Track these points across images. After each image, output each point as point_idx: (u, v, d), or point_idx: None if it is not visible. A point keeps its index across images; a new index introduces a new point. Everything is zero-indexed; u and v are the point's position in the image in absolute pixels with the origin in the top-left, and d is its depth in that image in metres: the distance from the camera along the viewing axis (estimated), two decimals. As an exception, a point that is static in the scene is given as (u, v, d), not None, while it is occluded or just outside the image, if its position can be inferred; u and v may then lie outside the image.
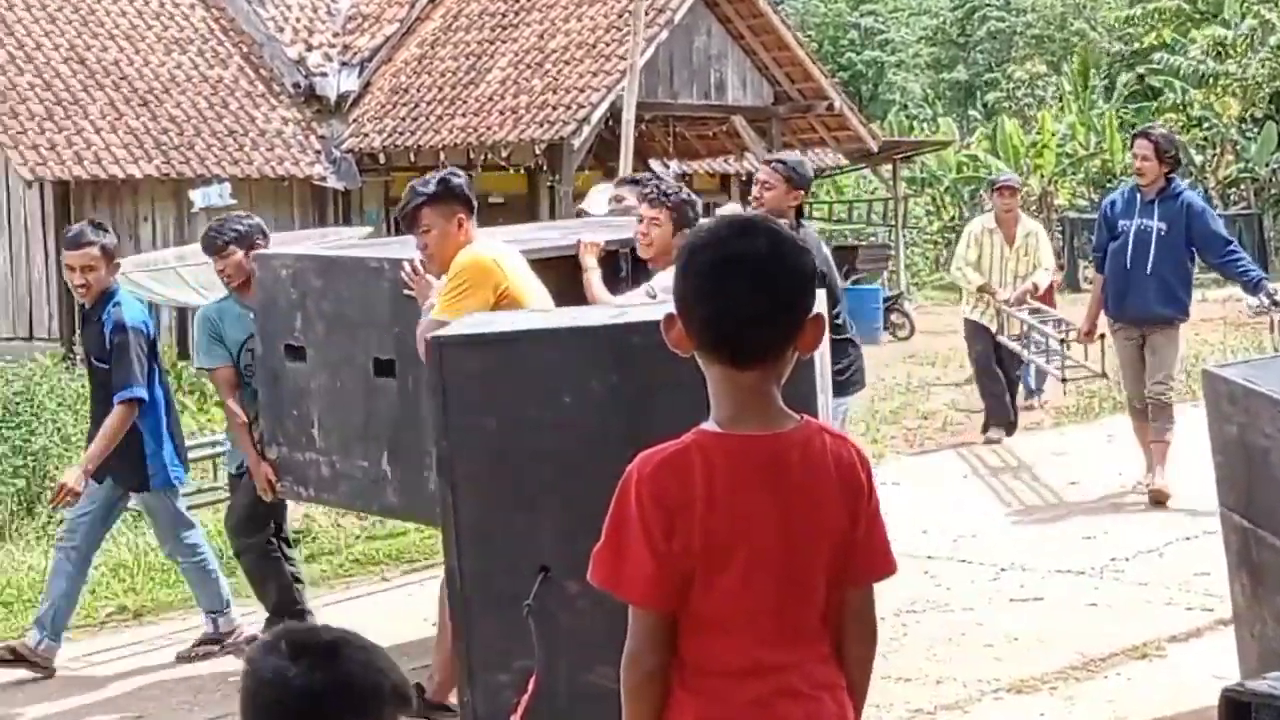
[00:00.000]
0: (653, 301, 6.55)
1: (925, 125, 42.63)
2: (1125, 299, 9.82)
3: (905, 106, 49.01)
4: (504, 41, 23.44)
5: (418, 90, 23.47)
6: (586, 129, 21.20)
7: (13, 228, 21.25)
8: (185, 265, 17.51)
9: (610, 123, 21.32)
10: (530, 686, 4.54)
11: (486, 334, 5.02)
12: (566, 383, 4.72)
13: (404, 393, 6.50)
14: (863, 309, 23.45)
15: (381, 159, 23.17)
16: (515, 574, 4.73)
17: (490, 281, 5.97)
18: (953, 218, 34.51)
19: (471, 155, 22.31)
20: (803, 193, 7.76)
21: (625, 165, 11.89)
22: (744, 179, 27.33)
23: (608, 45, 22.08)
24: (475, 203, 6.29)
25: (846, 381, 7.77)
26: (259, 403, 7.29)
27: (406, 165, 23.35)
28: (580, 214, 9.19)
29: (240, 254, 7.42)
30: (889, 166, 29.44)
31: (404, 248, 6.92)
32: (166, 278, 17.22)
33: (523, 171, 22.51)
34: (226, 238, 7.50)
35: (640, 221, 6.93)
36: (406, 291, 6.22)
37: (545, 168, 21.84)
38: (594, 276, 6.77)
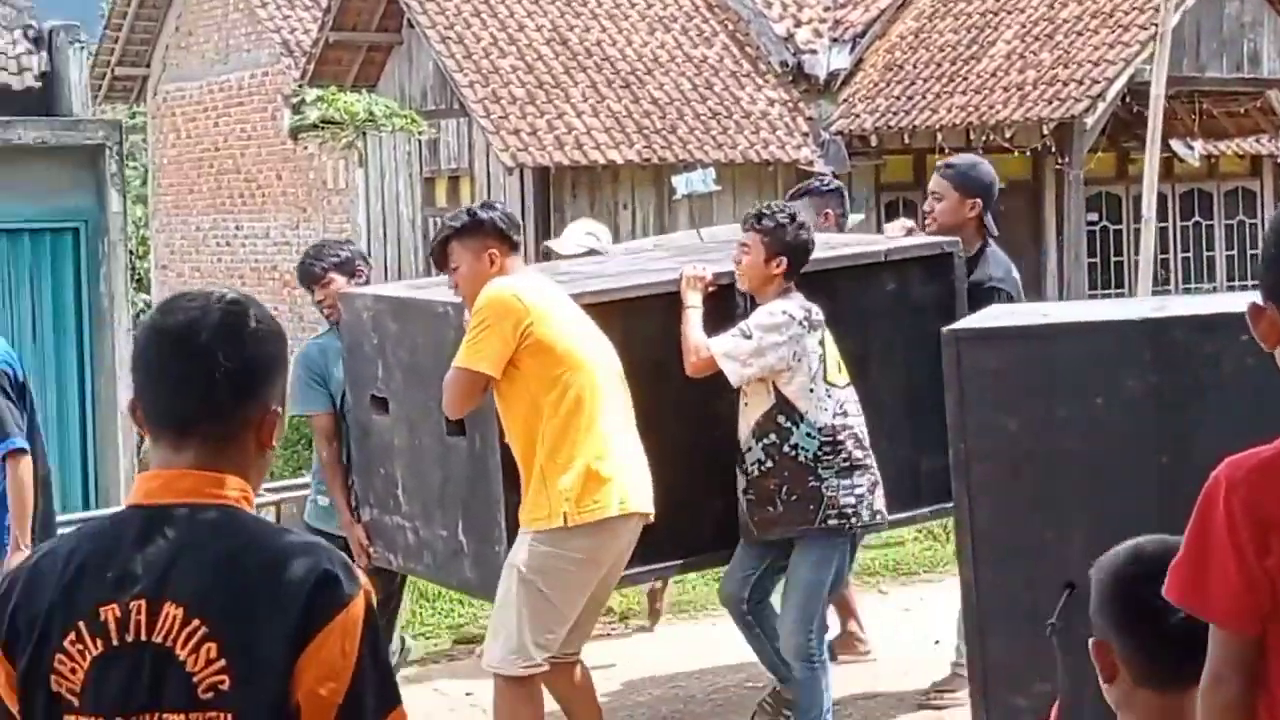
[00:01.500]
0: (749, 343, 6.16)
1: None
2: None
3: None
4: (1009, 12, 23.16)
5: (913, 67, 23.42)
6: (1101, 106, 20.74)
7: (493, 215, 22.24)
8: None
9: (1127, 99, 20.78)
10: (1053, 714, 4.48)
11: (1008, 327, 4.99)
12: (1098, 381, 4.64)
13: (473, 454, 6.19)
14: None
15: (873, 141, 23.21)
16: (1036, 588, 4.68)
17: (510, 319, 5.66)
18: None
19: (971, 136, 22.10)
20: (980, 202, 7.22)
21: (1152, 146, 11.55)
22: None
23: (1126, 14, 21.53)
24: (515, 237, 5.97)
25: None
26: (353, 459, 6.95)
27: (899, 148, 23.33)
28: (548, 254, 8.71)
29: (342, 283, 7.05)
30: None
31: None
32: (648, 267, 17.70)
33: (1028, 154, 22.19)
34: (326, 264, 7.11)
35: (738, 249, 6.46)
36: None
37: (1053, 149, 21.46)
38: (691, 316, 6.27)
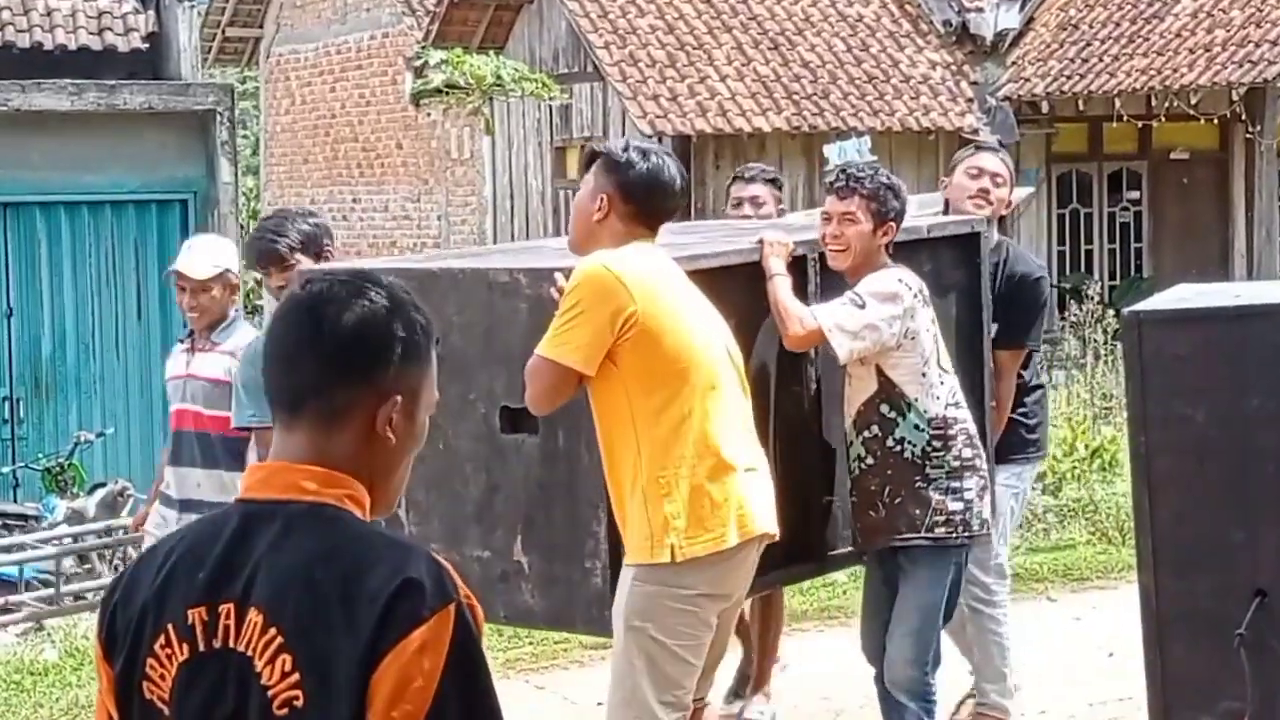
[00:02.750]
0: (862, 313, 5.77)
1: None
2: None
3: None
4: (1196, -35, 22.88)
5: (1090, 26, 23.18)
6: (1297, 69, 20.42)
7: (629, 187, 22.28)
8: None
9: (1327, 61, 20.47)
10: (1240, 732, 4.44)
11: (1196, 309, 4.93)
12: (1295, 369, 4.58)
13: (550, 453, 5.60)
14: None
15: (1044, 108, 23.03)
16: (1224, 596, 4.63)
17: (609, 305, 5.07)
18: None
19: (1153, 102, 21.87)
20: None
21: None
22: None
23: (1326, -33, 21.20)
24: (649, 203, 5.35)
25: (1039, 443, 7.02)
26: None
27: (1073, 115, 23.13)
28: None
29: (308, 264, 6.20)
30: None
31: (547, 255, 6.17)
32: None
33: (1215, 121, 21.90)
34: (291, 242, 6.25)
35: (830, 221, 5.99)
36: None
37: (1243, 116, 21.16)
38: (782, 284, 5.80)
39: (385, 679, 2.45)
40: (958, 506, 5.95)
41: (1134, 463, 4.85)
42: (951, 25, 23.66)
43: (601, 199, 5.30)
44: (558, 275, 5.29)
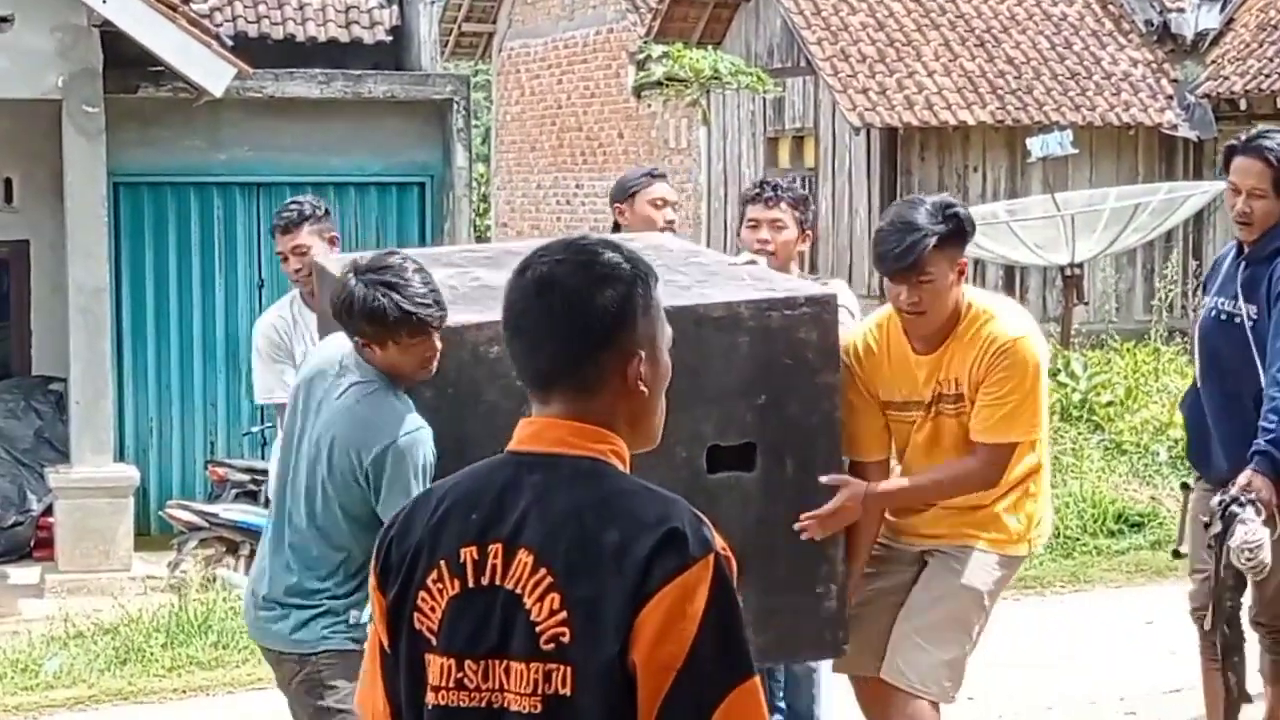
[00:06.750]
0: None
1: None
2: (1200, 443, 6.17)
3: None
4: (1397, -33, 22.28)
5: (1289, 26, 22.68)
6: None
7: (836, 176, 22.23)
8: (1019, 220, 17.77)
9: None
10: None
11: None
12: None
13: (774, 488, 5.15)
14: None
15: (1242, 105, 22.54)
16: None
17: (1038, 367, 5.14)
18: None
19: (1353, 102, 21.35)
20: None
21: None
22: None
23: None
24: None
25: None
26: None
27: (1270, 112, 22.58)
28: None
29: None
30: None
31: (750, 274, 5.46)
32: (998, 233, 17.51)
33: None
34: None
35: (756, 227, 5.99)
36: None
37: None
38: None
39: (650, 620, 2.51)
40: None
41: None
42: (1153, 25, 23.27)
43: (960, 267, 5.09)
44: (900, 332, 5.21)
